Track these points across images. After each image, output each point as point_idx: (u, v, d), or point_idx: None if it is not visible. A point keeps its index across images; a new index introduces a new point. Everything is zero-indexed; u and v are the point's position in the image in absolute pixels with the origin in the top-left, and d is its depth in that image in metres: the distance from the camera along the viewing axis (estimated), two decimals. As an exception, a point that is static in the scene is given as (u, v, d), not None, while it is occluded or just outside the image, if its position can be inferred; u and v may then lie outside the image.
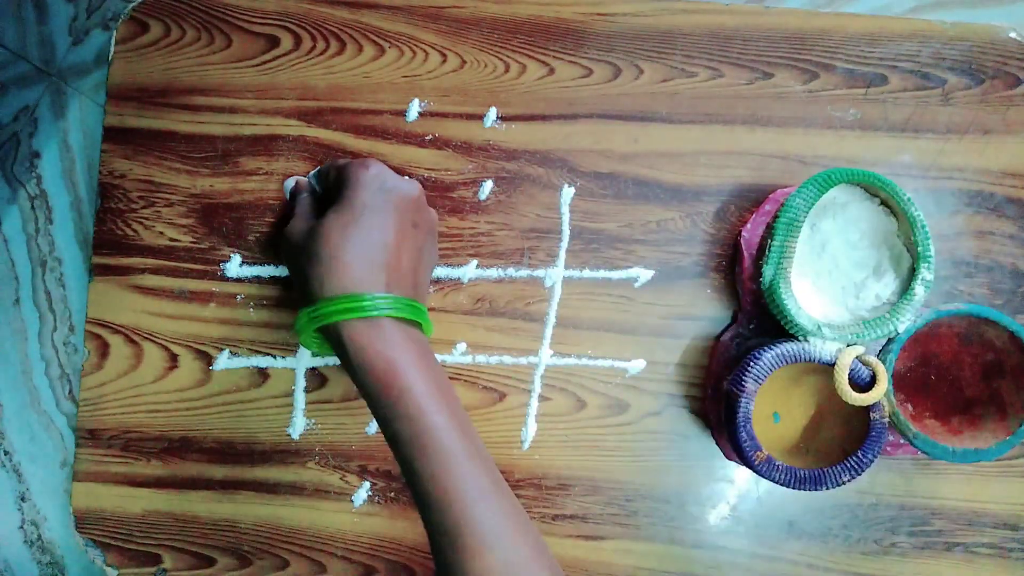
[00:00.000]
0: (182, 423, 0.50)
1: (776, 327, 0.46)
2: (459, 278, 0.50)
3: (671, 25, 0.50)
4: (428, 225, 0.45)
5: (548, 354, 0.50)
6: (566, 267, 0.50)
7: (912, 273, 0.44)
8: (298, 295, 0.42)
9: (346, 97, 0.50)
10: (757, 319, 0.48)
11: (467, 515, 0.37)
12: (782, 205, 0.45)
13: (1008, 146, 0.50)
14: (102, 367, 0.50)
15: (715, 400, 0.48)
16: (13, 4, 0.56)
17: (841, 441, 0.46)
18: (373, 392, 0.39)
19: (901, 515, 0.50)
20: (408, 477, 0.39)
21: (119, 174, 0.50)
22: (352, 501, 0.50)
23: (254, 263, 0.50)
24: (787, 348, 0.44)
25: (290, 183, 0.49)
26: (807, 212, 0.44)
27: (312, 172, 0.48)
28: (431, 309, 0.50)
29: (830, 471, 0.43)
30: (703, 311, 0.50)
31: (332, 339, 0.40)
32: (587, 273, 0.50)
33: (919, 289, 0.44)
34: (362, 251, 0.40)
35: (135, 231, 0.50)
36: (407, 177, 0.43)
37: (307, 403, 0.50)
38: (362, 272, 0.39)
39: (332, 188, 0.44)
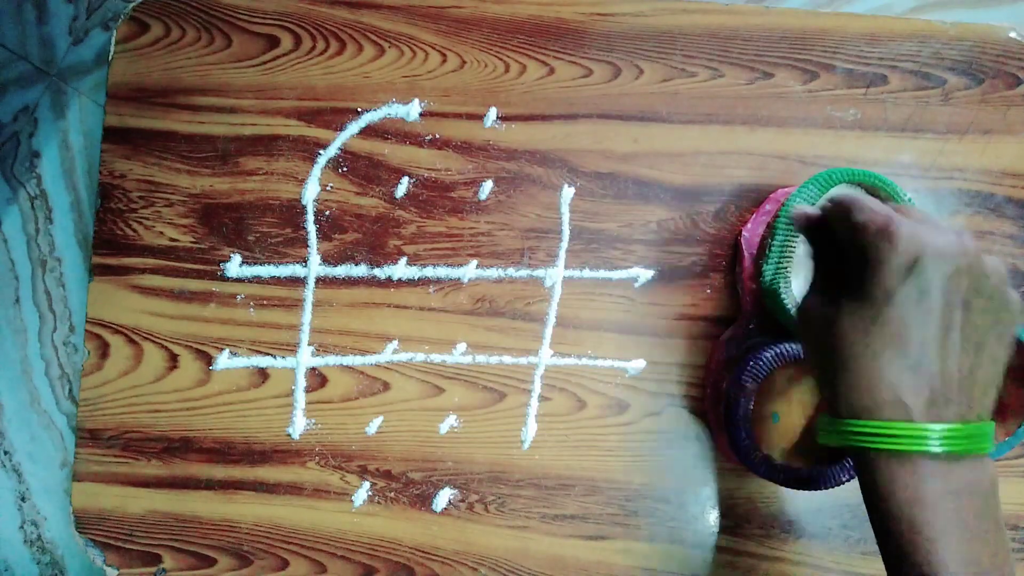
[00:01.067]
0: (182, 423, 0.50)
1: (776, 327, 0.46)
2: (459, 278, 0.50)
3: (671, 25, 0.50)
4: (993, 297, 0.31)
5: (548, 354, 0.50)
6: (566, 267, 0.50)
7: (912, 273, 0.44)
8: (819, 386, 0.35)
9: (346, 97, 0.50)
10: (757, 319, 0.48)
11: None
12: (782, 205, 0.45)
13: (1008, 146, 0.50)
14: (102, 367, 0.50)
15: (715, 400, 0.48)
16: (13, 4, 0.56)
17: (841, 441, 0.46)
18: (891, 551, 0.31)
19: (901, 515, 0.50)
20: None
21: (119, 174, 0.50)
22: (352, 501, 0.50)
23: (254, 263, 0.50)
24: (787, 348, 0.44)
25: (799, 213, 0.36)
26: (807, 212, 0.44)
27: (820, 193, 0.40)
28: (431, 309, 0.50)
29: (829, 471, 0.43)
30: (703, 311, 0.50)
31: (854, 460, 0.32)
32: (587, 273, 0.50)
33: (919, 289, 0.43)
34: (891, 360, 0.30)
35: (135, 231, 0.50)
36: (957, 229, 0.31)
37: (307, 403, 0.50)
38: (891, 391, 0.30)
39: (847, 250, 0.33)
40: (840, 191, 0.37)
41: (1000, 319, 0.31)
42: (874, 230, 0.31)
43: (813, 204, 0.44)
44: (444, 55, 0.50)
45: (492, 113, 0.50)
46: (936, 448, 0.29)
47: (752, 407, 0.44)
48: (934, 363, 0.30)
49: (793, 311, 0.44)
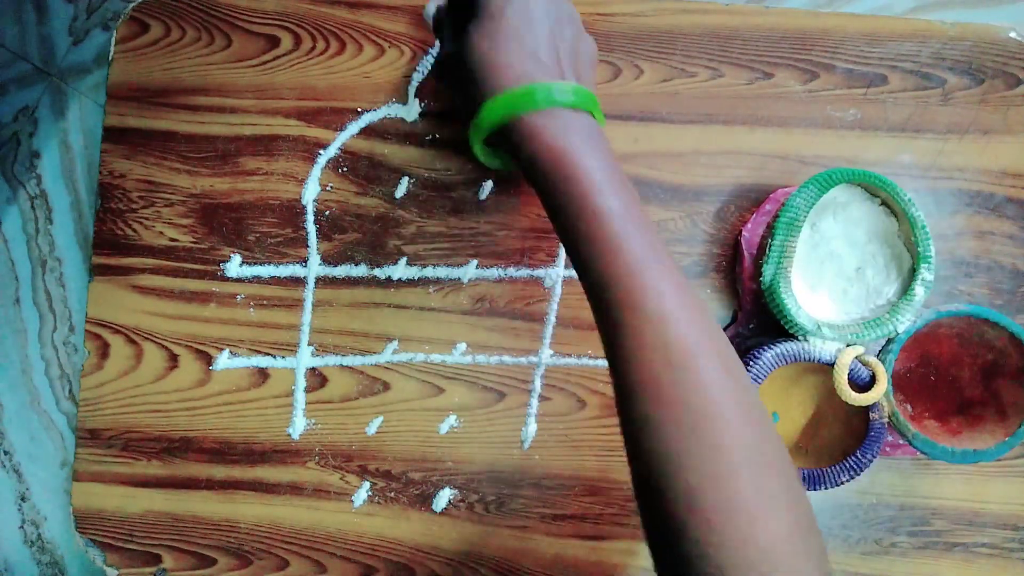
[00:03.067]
0: (182, 423, 0.50)
1: (776, 327, 0.46)
2: (459, 278, 0.50)
3: (671, 25, 0.50)
4: (572, 19, 0.41)
5: (548, 354, 0.50)
6: (566, 267, 0.50)
7: (912, 273, 0.44)
8: (463, 113, 0.41)
9: (346, 97, 0.50)
10: (757, 319, 0.48)
11: (630, 284, 0.34)
12: (782, 205, 0.45)
13: (1008, 146, 0.50)
14: (102, 367, 0.50)
15: (715, 400, 0.48)
16: (13, 4, 0.56)
17: (840, 441, 0.46)
18: (545, 180, 0.36)
19: (901, 515, 0.50)
20: (574, 262, 0.36)
21: (119, 174, 0.50)
22: (352, 501, 0.50)
23: (254, 263, 0.50)
24: (787, 348, 0.44)
25: (431, 9, 0.46)
26: (807, 212, 0.44)
27: None
28: (431, 309, 0.50)
29: (829, 471, 0.43)
30: (703, 311, 0.50)
31: (504, 143, 0.38)
32: (587, 273, 0.50)
33: (919, 289, 0.44)
34: (512, 48, 0.38)
35: (135, 231, 0.50)
36: None
37: (307, 403, 0.50)
38: (519, 68, 0.37)
39: (466, 5, 0.41)
40: None
41: (582, 33, 0.42)
42: None
43: (813, 204, 0.44)
44: (444, 55, 0.50)
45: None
46: (560, 98, 0.36)
47: (752, 407, 0.44)
48: (546, 47, 0.38)
49: (793, 311, 0.44)
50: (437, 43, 0.47)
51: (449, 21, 0.43)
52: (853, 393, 0.42)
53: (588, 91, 0.38)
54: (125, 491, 0.50)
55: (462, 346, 0.50)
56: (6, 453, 0.57)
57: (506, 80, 0.37)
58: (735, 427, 0.32)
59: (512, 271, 0.50)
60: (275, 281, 0.50)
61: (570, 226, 0.36)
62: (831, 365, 0.43)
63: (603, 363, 0.50)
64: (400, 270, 0.50)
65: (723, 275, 0.50)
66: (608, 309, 0.35)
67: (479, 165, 0.50)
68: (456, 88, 0.41)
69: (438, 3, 0.45)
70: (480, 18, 0.39)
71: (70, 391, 0.56)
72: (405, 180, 0.50)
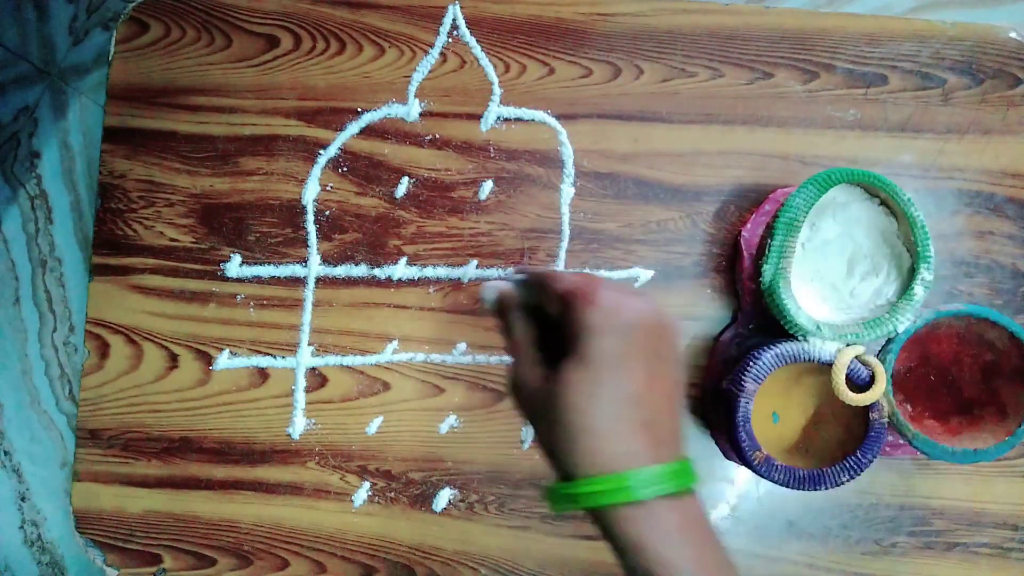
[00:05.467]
0: (182, 423, 0.50)
1: (776, 327, 0.46)
2: (459, 278, 0.50)
3: (671, 25, 0.50)
4: (671, 344, 0.34)
5: (548, 354, 0.50)
6: (566, 267, 0.50)
7: (912, 273, 0.44)
8: (545, 458, 0.34)
9: (346, 97, 0.50)
10: (757, 319, 0.48)
11: None
12: (782, 205, 0.45)
13: (1008, 146, 0.50)
14: (102, 367, 0.50)
15: (714, 400, 0.48)
16: (13, 4, 0.56)
17: (840, 441, 0.46)
18: None
19: (901, 515, 0.50)
20: None
21: (119, 174, 0.50)
22: (352, 501, 0.50)
23: (254, 263, 0.50)
24: (786, 348, 0.44)
25: (490, 295, 0.39)
26: (807, 212, 0.44)
27: (513, 273, 0.43)
28: (431, 309, 0.50)
29: (829, 471, 0.43)
30: (703, 311, 0.50)
31: (596, 521, 0.33)
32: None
33: (919, 289, 0.44)
34: (613, 415, 0.32)
35: (135, 231, 0.50)
36: (637, 290, 0.36)
37: (307, 403, 0.50)
38: (620, 443, 0.32)
39: (558, 320, 0.35)
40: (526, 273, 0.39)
41: (678, 371, 0.35)
42: (581, 294, 0.33)
43: (813, 204, 0.44)
44: (444, 55, 0.50)
45: (492, 113, 0.50)
46: (664, 489, 0.31)
47: (752, 407, 0.44)
48: (648, 412, 0.32)
49: (793, 311, 0.43)
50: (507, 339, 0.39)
51: (529, 334, 0.37)
52: (851, 393, 0.42)
53: (687, 463, 0.33)
54: (125, 491, 0.50)
55: (462, 346, 0.50)
56: (6, 453, 0.57)
57: (605, 458, 0.32)
58: None
59: (512, 271, 0.50)
60: (275, 281, 0.50)
61: None
62: (831, 365, 0.43)
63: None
64: (400, 270, 0.50)
65: (723, 275, 0.50)
66: None
67: (479, 165, 0.50)
68: (532, 421, 0.35)
69: (498, 289, 0.39)
70: (581, 359, 0.32)
71: (70, 391, 0.56)
72: (405, 180, 0.50)
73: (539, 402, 0.34)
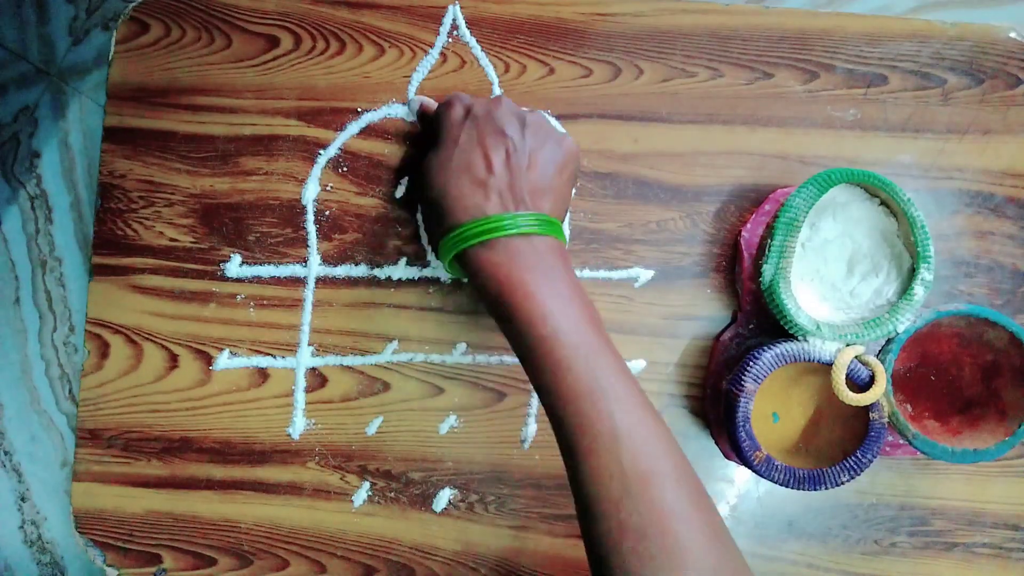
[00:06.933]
0: (182, 423, 0.50)
1: (776, 327, 0.46)
2: (459, 278, 0.50)
3: (671, 25, 0.50)
4: (532, 131, 0.43)
5: (548, 354, 0.50)
6: (566, 267, 0.50)
7: (912, 273, 0.44)
8: (429, 234, 0.45)
9: (346, 97, 0.50)
10: (757, 319, 0.48)
11: (583, 405, 0.36)
12: (782, 205, 0.45)
13: (1008, 146, 0.50)
14: (102, 367, 0.50)
15: (714, 400, 0.48)
16: (13, 4, 0.56)
17: (840, 441, 0.46)
18: (498, 315, 0.39)
19: (901, 515, 0.50)
20: (539, 393, 0.38)
21: (119, 174, 0.50)
22: (352, 501, 0.50)
23: (254, 263, 0.50)
24: (786, 348, 0.44)
25: (415, 105, 0.49)
26: (807, 212, 0.44)
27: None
28: (431, 309, 0.50)
29: (829, 471, 0.43)
30: (703, 311, 0.50)
31: (468, 274, 0.41)
32: (587, 273, 0.50)
33: (919, 289, 0.44)
34: (463, 179, 0.40)
35: (135, 231, 0.50)
36: (497, 97, 0.44)
37: (307, 403, 0.50)
38: (468, 200, 0.40)
39: (434, 124, 0.45)
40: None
41: (550, 141, 0.43)
42: (443, 101, 0.44)
43: (813, 204, 0.44)
44: (444, 55, 0.50)
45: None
46: (518, 227, 0.39)
47: (752, 407, 0.44)
48: (491, 176, 0.40)
49: (793, 311, 0.44)
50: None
51: (422, 137, 0.47)
52: (850, 393, 0.42)
53: (539, 216, 0.40)
54: (125, 491, 0.50)
55: (462, 346, 0.50)
56: (6, 453, 0.57)
57: (457, 214, 0.40)
58: (694, 554, 0.33)
59: (512, 271, 0.50)
60: (275, 281, 0.50)
61: (524, 355, 0.38)
62: (831, 365, 0.43)
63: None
64: (400, 270, 0.50)
65: (723, 275, 0.50)
66: (562, 432, 0.37)
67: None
68: (423, 209, 0.45)
69: (423, 101, 0.48)
70: (437, 146, 0.43)
71: (70, 391, 0.56)
72: (405, 180, 0.50)
73: (419, 184, 0.45)
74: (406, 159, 0.50)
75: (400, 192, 0.50)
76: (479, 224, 0.39)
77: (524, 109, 0.44)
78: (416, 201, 0.49)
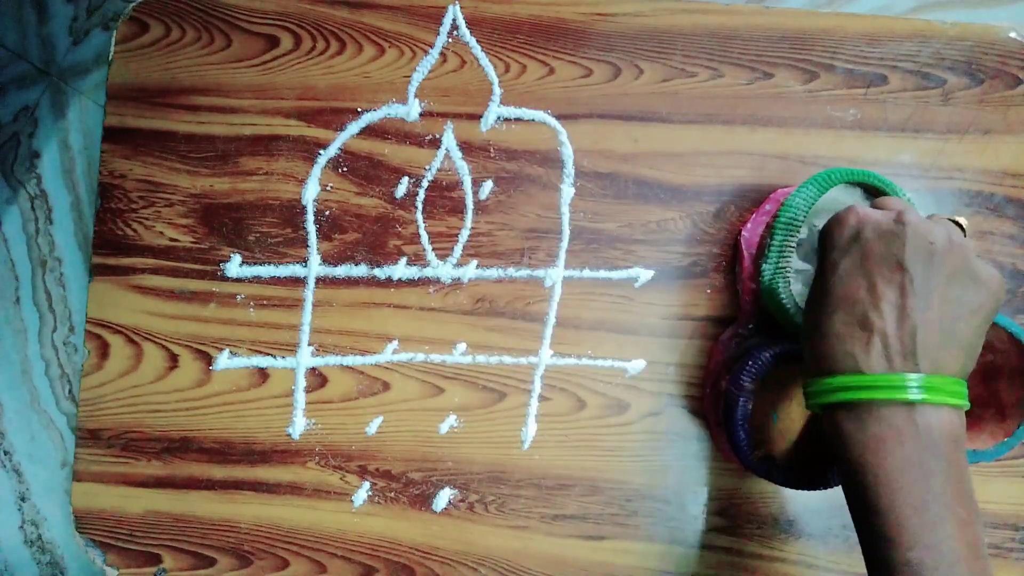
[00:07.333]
0: (182, 423, 0.50)
1: (775, 327, 0.46)
2: (459, 278, 0.50)
3: (671, 25, 0.50)
4: (951, 257, 0.33)
5: (548, 354, 0.50)
6: (566, 267, 0.50)
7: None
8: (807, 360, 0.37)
9: (346, 97, 0.50)
10: (756, 319, 0.48)
11: None
12: (782, 205, 0.45)
13: (1008, 146, 0.50)
14: (102, 367, 0.50)
15: (714, 400, 0.48)
16: (13, 4, 0.56)
17: (841, 441, 0.46)
18: (849, 501, 0.34)
19: (901, 515, 0.50)
20: None
21: (119, 174, 0.50)
22: (352, 501, 0.50)
23: (254, 263, 0.50)
24: (787, 348, 0.44)
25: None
26: (807, 212, 0.44)
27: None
28: (431, 309, 0.50)
29: (829, 471, 0.43)
30: (703, 311, 0.50)
31: (826, 426, 0.34)
32: (587, 273, 0.50)
33: (919, 289, 0.43)
34: (838, 319, 0.33)
35: (135, 231, 0.50)
36: (905, 208, 0.35)
37: (307, 403, 0.50)
38: (841, 345, 0.33)
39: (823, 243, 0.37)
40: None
41: (967, 291, 0.33)
42: (832, 219, 0.36)
43: (813, 204, 0.44)
44: (444, 55, 0.50)
45: (492, 113, 0.50)
46: (884, 394, 0.31)
47: (752, 407, 0.44)
48: (876, 316, 0.32)
49: (793, 311, 0.44)
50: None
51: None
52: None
53: (942, 379, 0.31)
54: (125, 491, 0.50)
55: (462, 346, 0.50)
56: (6, 453, 0.57)
57: (827, 360, 0.33)
58: None
59: (512, 271, 0.50)
60: (275, 281, 0.50)
61: (875, 566, 0.31)
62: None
63: (603, 363, 0.50)
64: (400, 270, 0.50)
65: (723, 275, 0.50)
66: None
67: (479, 165, 0.50)
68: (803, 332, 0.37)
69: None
70: (818, 272, 0.35)
71: (70, 391, 0.56)
72: (405, 180, 0.50)
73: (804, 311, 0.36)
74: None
75: (400, 192, 0.50)
76: (851, 379, 0.32)
77: (941, 226, 0.34)
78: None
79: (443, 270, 0.50)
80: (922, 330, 0.32)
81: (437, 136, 0.50)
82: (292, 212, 0.50)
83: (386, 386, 0.50)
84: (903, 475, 0.30)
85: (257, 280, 0.50)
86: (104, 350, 0.50)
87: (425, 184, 0.49)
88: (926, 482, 0.30)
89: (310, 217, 0.50)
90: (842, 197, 0.46)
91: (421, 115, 0.50)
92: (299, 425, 0.50)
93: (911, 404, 0.31)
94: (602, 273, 0.50)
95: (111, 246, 0.50)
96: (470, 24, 0.50)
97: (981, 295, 0.33)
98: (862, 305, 0.32)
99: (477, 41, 0.50)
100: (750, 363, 0.44)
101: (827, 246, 0.35)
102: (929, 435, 0.31)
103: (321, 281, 0.50)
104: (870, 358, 0.32)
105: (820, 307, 0.34)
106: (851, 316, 0.33)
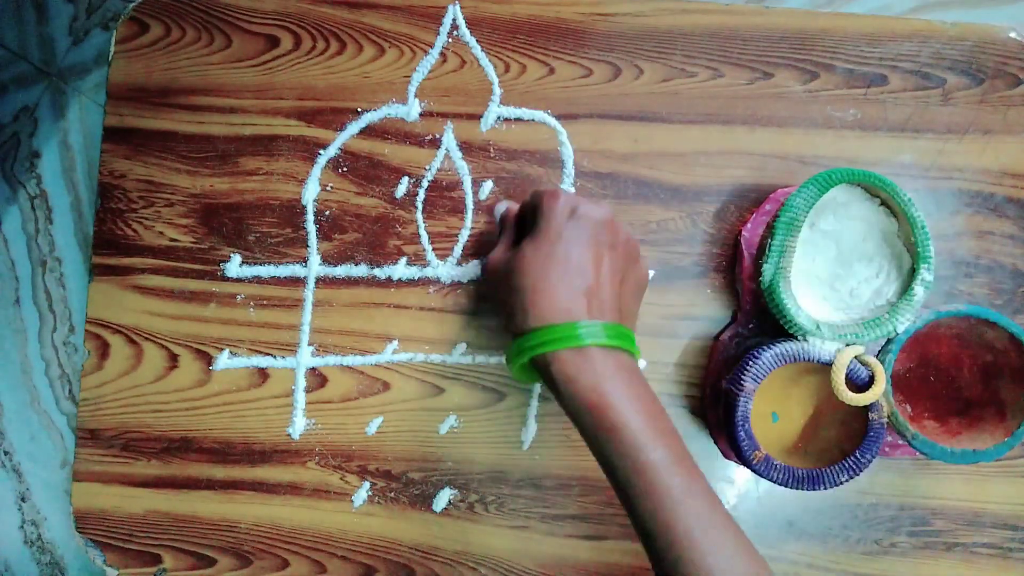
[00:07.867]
0: (182, 423, 0.50)
1: (775, 327, 0.46)
2: (459, 278, 0.50)
3: (671, 25, 0.50)
4: (626, 248, 0.42)
5: (548, 354, 0.50)
6: (566, 267, 0.50)
7: (912, 273, 0.44)
8: (504, 324, 0.42)
9: (346, 97, 0.50)
10: (756, 319, 0.48)
11: (690, 550, 0.36)
12: (782, 205, 0.45)
13: (1008, 146, 0.50)
14: (102, 367, 0.50)
15: (714, 400, 0.48)
16: (13, 4, 0.56)
17: (839, 441, 0.46)
18: (586, 425, 0.38)
19: (901, 515, 0.50)
20: (627, 510, 0.38)
21: (119, 174, 0.50)
22: (352, 501, 0.50)
23: (254, 263, 0.50)
24: (786, 347, 0.44)
25: (500, 208, 0.47)
26: (807, 212, 0.44)
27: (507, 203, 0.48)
28: (431, 309, 0.50)
29: (828, 471, 0.43)
30: (703, 311, 0.50)
31: (541, 370, 0.39)
32: (587, 273, 0.50)
33: (919, 290, 0.44)
34: (561, 279, 0.39)
35: (135, 231, 0.50)
36: (600, 203, 0.42)
37: (307, 403, 0.50)
38: (564, 301, 0.39)
39: (528, 218, 0.43)
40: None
41: (633, 263, 0.43)
42: (547, 191, 0.42)
43: (813, 204, 0.44)
44: (444, 55, 0.50)
45: (492, 113, 0.50)
46: (600, 340, 0.38)
47: (751, 407, 0.44)
48: (593, 283, 0.39)
49: (793, 311, 0.44)
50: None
51: (512, 228, 0.45)
52: (850, 393, 0.42)
53: (625, 330, 0.39)
54: (125, 491, 0.50)
55: (462, 346, 0.50)
56: (6, 453, 0.57)
57: (548, 312, 0.39)
58: None
59: (512, 271, 0.50)
60: (275, 281, 0.50)
61: (621, 479, 0.37)
62: (830, 365, 0.43)
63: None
64: (400, 270, 0.50)
65: (723, 275, 0.50)
66: (665, 562, 0.37)
67: (479, 165, 0.50)
68: (502, 294, 0.42)
69: (508, 205, 0.47)
70: (537, 236, 0.41)
71: (70, 391, 0.56)
72: (405, 180, 0.50)
73: (503, 271, 0.42)
74: (483, 244, 0.49)
75: (400, 192, 0.50)
76: (578, 327, 0.38)
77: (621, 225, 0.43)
78: (491, 281, 0.44)
79: (443, 270, 0.50)
80: (618, 298, 0.41)
81: (437, 136, 0.50)
82: (292, 212, 0.50)
83: (386, 386, 0.50)
84: (634, 396, 0.38)
85: (257, 280, 0.50)
86: (104, 350, 0.50)
87: (425, 184, 0.50)
88: (650, 400, 0.38)
89: (310, 217, 0.50)
90: (842, 197, 0.46)
91: (421, 115, 0.50)
92: (299, 425, 0.50)
93: (618, 349, 0.39)
94: (602, 273, 0.50)
95: (111, 246, 0.50)
96: (470, 24, 0.50)
97: (642, 278, 0.44)
98: (586, 271, 0.39)
99: (477, 41, 0.50)
100: (750, 363, 0.44)
101: (546, 215, 0.41)
102: (635, 370, 0.39)
103: (321, 281, 0.50)
104: (590, 311, 0.39)
105: (540, 267, 0.39)
106: (573, 277, 0.39)
